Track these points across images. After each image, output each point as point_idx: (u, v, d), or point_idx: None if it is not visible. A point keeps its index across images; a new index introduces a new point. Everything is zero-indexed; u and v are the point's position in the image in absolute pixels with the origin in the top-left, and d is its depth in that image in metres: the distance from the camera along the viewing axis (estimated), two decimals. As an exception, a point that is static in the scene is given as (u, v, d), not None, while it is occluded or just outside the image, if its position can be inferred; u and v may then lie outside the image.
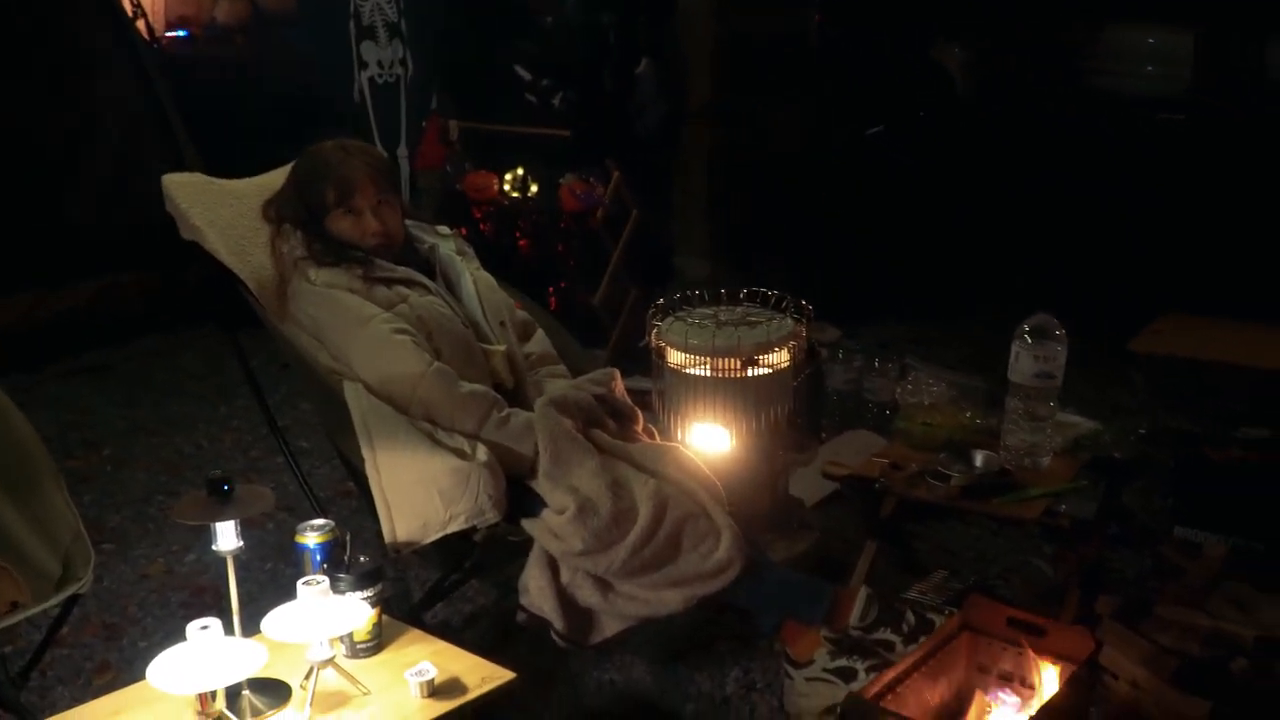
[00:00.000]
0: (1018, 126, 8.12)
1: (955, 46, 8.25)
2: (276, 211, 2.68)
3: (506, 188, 4.77)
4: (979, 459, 2.65)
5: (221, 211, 2.73)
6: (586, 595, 2.40)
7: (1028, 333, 2.61)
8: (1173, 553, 2.82)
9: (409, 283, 2.61)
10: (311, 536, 2.04)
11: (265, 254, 2.69)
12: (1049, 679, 2.19)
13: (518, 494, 2.44)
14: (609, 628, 2.44)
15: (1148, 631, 2.38)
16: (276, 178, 2.84)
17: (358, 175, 2.61)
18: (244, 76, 5.83)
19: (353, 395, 2.45)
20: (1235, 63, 7.29)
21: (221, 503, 1.85)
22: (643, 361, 2.94)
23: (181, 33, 7.09)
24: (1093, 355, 4.06)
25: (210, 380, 4.52)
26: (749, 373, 2.74)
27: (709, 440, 2.77)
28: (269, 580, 3.05)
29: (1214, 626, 2.37)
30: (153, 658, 1.76)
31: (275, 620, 1.85)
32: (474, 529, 2.41)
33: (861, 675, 2.30)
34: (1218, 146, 7.23)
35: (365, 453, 2.41)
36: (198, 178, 2.83)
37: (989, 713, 2.22)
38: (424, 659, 1.94)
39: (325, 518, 2.11)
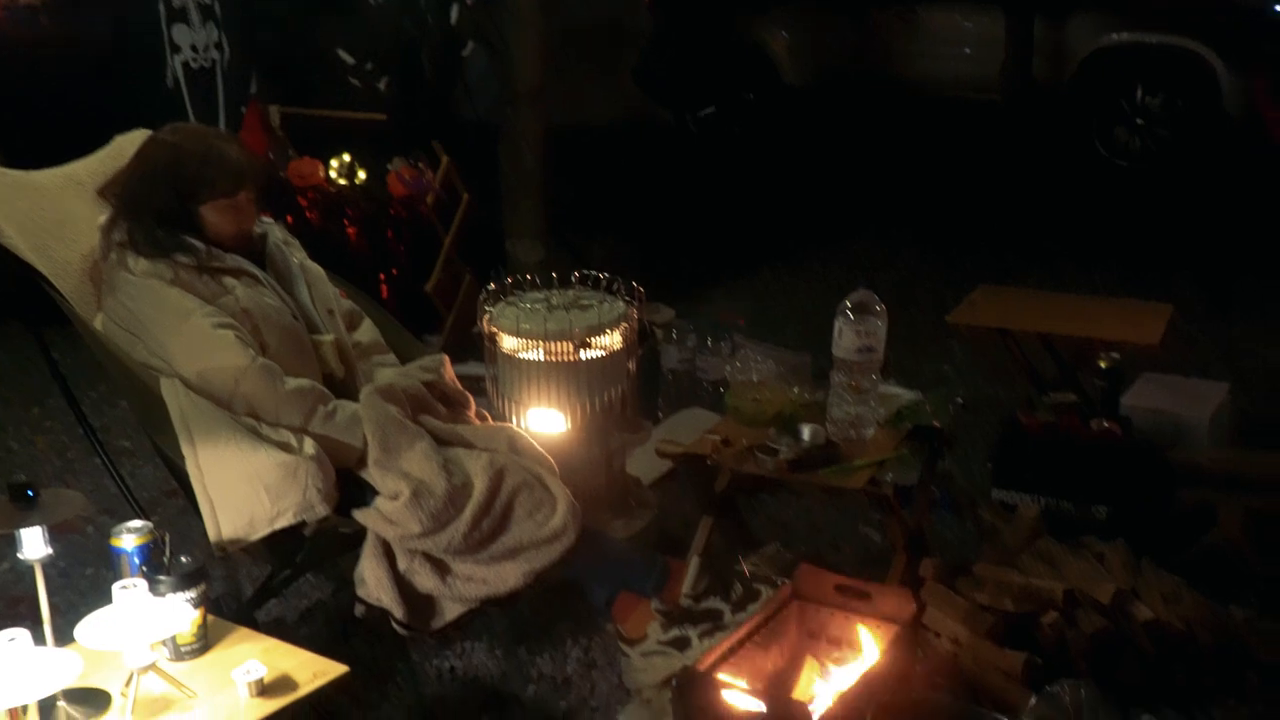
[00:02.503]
0: (839, 108, 8.39)
1: (781, 31, 8.44)
2: (129, 197, 2.51)
3: (333, 174, 4.65)
4: (806, 433, 2.71)
5: (19, 204, 2.59)
6: (425, 580, 2.39)
7: (849, 309, 2.68)
8: (990, 515, 2.95)
9: (238, 273, 2.52)
10: (127, 539, 1.97)
11: (69, 249, 2.58)
12: (875, 641, 2.27)
13: (348, 485, 2.40)
14: (450, 611, 2.44)
15: (966, 590, 2.48)
16: (80, 169, 2.71)
17: (249, 169, 2.51)
18: (48, 60, 5.53)
19: (170, 392, 2.37)
20: (1041, 45, 7.62)
21: (25, 509, 1.78)
22: (478, 348, 2.92)
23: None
24: (913, 328, 4.23)
25: (18, 381, 4.29)
26: (582, 356, 2.75)
27: (544, 424, 2.77)
28: (90, 587, 2.93)
29: (1026, 583, 2.49)
30: (-41, 675, 1.67)
31: (89, 627, 1.78)
32: (303, 523, 2.36)
33: (695, 643, 2.35)
34: (1026, 126, 7.59)
35: (186, 450, 2.34)
36: (-9, 169, 2.69)
37: (819, 677, 2.29)
38: (252, 658, 1.89)
39: (146, 519, 2.04)
